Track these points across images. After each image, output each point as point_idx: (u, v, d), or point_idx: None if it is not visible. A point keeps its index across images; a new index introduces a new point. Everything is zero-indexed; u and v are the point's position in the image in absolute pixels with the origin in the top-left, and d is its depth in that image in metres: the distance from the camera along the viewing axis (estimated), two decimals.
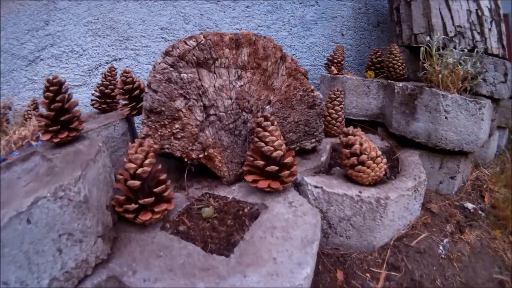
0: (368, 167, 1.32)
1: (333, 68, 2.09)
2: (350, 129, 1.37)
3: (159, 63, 1.22)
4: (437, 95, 1.64)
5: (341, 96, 1.76)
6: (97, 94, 1.81)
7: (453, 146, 1.68)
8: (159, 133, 1.24)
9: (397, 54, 2.09)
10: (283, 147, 1.25)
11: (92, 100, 1.85)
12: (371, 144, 1.35)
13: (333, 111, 1.76)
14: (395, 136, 1.86)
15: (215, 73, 1.29)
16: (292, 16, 2.36)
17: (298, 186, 1.37)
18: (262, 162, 1.22)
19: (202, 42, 1.24)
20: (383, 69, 2.17)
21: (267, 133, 1.22)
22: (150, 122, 1.23)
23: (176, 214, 1.20)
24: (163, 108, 1.22)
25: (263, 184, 1.24)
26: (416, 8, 2.25)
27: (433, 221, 1.69)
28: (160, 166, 1.15)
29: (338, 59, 2.16)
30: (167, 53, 1.22)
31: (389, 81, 1.96)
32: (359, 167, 1.32)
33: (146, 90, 1.22)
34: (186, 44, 1.23)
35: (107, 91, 1.79)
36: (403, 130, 1.79)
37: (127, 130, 1.63)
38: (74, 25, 2.37)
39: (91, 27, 2.32)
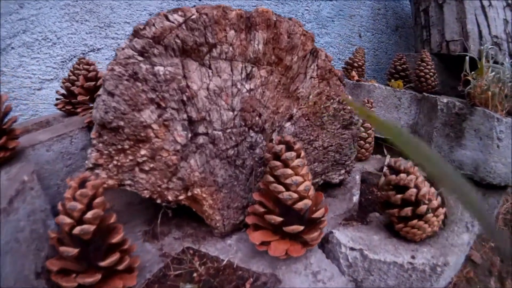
0: (427, 222, 0.79)
1: (353, 73, 1.55)
2: (400, 162, 0.84)
3: (123, 49, 0.66)
4: (492, 119, 1.17)
5: (372, 109, 1.22)
6: (62, 91, 1.23)
7: (500, 180, 1.20)
8: (115, 162, 0.68)
9: (429, 62, 1.57)
10: (311, 191, 0.71)
11: (56, 99, 1.26)
12: (430, 189, 0.81)
13: (362, 129, 1.21)
14: None
15: (210, 67, 0.76)
16: (307, 10, 1.80)
17: (324, 243, 0.83)
18: (278, 219, 0.67)
19: (194, 17, 0.69)
20: (407, 78, 1.65)
21: (289, 171, 0.68)
22: (101, 144, 0.67)
23: (144, 284, 0.66)
24: (122, 123, 0.66)
25: (277, 249, 0.71)
26: (449, 12, 1.74)
27: (476, 275, 1.21)
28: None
29: (359, 63, 1.62)
30: (136, 33, 0.67)
31: (425, 93, 1.42)
32: (415, 221, 0.79)
33: (100, 91, 0.66)
34: (168, 19, 0.68)
35: (73, 88, 1.20)
36: (445, 158, 1.28)
37: (88, 143, 1.06)
38: (50, 8, 1.77)
39: (68, 10, 1.73)
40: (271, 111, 0.85)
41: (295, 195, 0.70)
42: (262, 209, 0.73)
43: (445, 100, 1.28)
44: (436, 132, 1.31)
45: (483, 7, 1.65)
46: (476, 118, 1.19)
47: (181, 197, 0.77)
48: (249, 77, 0.81)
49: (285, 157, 0.72)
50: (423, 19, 1.91)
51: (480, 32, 1.65)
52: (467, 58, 1.32)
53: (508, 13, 1.68)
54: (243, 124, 0.83)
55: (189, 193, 0.77)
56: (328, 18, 1.86)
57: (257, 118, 0.84)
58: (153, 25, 0.67)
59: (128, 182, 0.70)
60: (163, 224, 0.87)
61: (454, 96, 1.54)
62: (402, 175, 0.83)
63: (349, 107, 0.96)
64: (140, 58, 0.67)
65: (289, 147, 0.73)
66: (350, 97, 1.51)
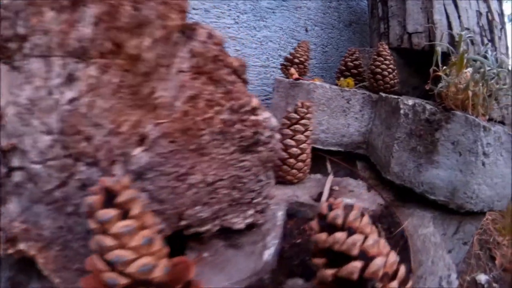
0: None
1: (292, 70, 1.19)
2: (341, 204, 0.46)
3: None
4: (476, 127, 0.83)
5: (308, 115, 0.85)
6: None
7: (483, 205, 0.88)
8: None
9: (388, 57, 1.25)
10: (160, 271, 0.33)
11: None
12: (390, 255, 0.42)
13: (293, 142, 0.83)
14: (391, 184, 0.99)
15: (21, 71, 0.48)
16: None
17: None
18: None
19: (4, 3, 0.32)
20: (360, 76, 1.34)
21: (108, 241, 0.33)
22: None
23: None
24: None
25: None
26: (413, 0, 1.44)
27: None
28: None
29: (301, 59, 1.27)
30: None
31: (383, 94, 1.07)
32: None
33: None
34: None
35: None
36: (410, 179, 0.94)
37: None
38: None
39: None
40: (108, 131, 0.49)
41: (124, 280, 0.32)
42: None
43: (410, 102, 0.95)
44: (398, 145, 0.95)
45: None
46: (454, 126, 0.86)
47: (11, 251, 0.52)
48: (70, 79, 0.46)
49: (101, 217, 0.33)
50: (380, 10, 1.61)
51: (449, 23, 1.37)
52: (439, 49, 1.01)
53: (482, 4, 1.42)
54: (67, 153, 0.49)
55: (16, 248, 0.52)
56: (269, 9, 1.51)
57: (84, 144, 0.48)
58: None
59: None
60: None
61: (418, 97, 1.21)
62: (339, 236, 0.45)
63: (252, 118, 0.58)
64: None
65: (110, 198, 0.35)
66: (279, 100, 1.13)
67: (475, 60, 0.95)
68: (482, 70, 0.89)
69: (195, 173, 0.58)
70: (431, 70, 1.04)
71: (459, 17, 1.37)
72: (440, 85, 0.99)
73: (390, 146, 0.97)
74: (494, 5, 1.46)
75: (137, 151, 0.52)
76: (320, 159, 1.07)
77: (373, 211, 0.82)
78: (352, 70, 1.37)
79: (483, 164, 0.83)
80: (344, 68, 1.38)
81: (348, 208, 0.51)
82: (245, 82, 0.62)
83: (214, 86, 0.59)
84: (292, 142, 0.87)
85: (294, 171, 0.89)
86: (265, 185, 0.67)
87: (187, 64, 0.57)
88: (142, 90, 0.53)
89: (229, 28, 1.46)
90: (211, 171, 0.59)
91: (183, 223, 0.59)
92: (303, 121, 0.86)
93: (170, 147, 0.54)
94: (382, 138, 1.04)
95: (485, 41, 1.39)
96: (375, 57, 1.26)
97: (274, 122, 0.64)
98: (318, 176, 0.97)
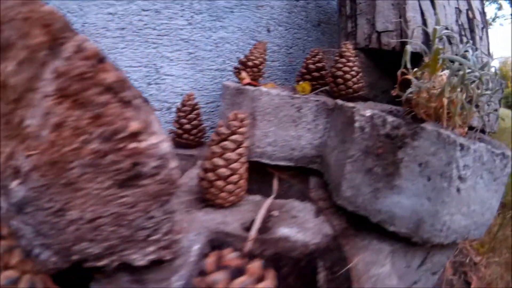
0: None
1: (243, 74, 1.05)
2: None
3: None
4: (451, 145, 0.66)
5: (241, 130, 0.70)
6: None
7: (456, 237, 0.71)
8: None
9: (351, 58, 1.10)
10: None
11: None
12: None
13: (221, 162, 0.68)
14: (343, 210, 0.82)
15: None
16: None
17: None
18: None
19: None
20: (323, 80, 1.19)
21: None
22: None
23: None
24: None
25: None
26: None
27: None
28: None
29: (255, 62, 1.13)
30: None
31: (339, 101, 0.92)
32: None
33: None
34: None
35: None
36: (365, 206, 0.77)
37: None
38: None
39: None
40: None
41: None
42: None
43: (368, 113, 0.78)
44: (352, 165, 0.78)
45: None
46: (423, 144, 0.69)
47: None
48: None
49: None
50: (348, 7, 1.46)
51: (424, 21, 1.21)
52: (408, 48, 0.83)
53: (461, 2, 1.26)
54: None
55: None
56: (226, 9, 1.37)
57: None
58: None
59: None
60: None
61: (388, 102, 1.07)
62: None
63: (130, 146, 0.43)
64: None
65: None
66: (225, 108, 0.93)
67: (452, 61, 0.77)
68: (461, 72, 0.72)
69: (72, 209, 0.48)
70: (399, 72, 0.86)
71: (435, 14, 1.20)
72: (408, 90, 0.81)
73: (342, 165, 0.80)
74: (475, 3, 1.31)
75: (13, 184, 0.46)
76: (267, 176, 0.92)
77: (315, 245, 0.67)
78: (313, 73, 1.22)
79: (458, 190, 0.67)
80: (305, 71, 1.24)
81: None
82: (123, 101, 0.48)
83: (81, 110, 0.45)
84: (221, 162, 0.72)
85: (223, 194, 0.74)
86: (161, 221, 0.53)
87: (52, 86, 0.44)
88: (12, 119, 0.43)
89: (181, 29, 1.32)
90: (88, 207, 0.48)
91: (75, 257, 0.51)
92: (233, 137, 0.72)
93: (41, 181, 0.46)
94: (336, 154, 0.88)
95: (465, 40, 1.22)
96: (337, 58, 1.11)
97: (164, 148, 0.50)
98: (258, 197, 0.82)
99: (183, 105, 1.08)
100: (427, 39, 1.14)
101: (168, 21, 1.30)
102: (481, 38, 1.29)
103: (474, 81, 0.73)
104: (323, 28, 1.64)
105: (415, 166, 0.69)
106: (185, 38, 1.31)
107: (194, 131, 1.22)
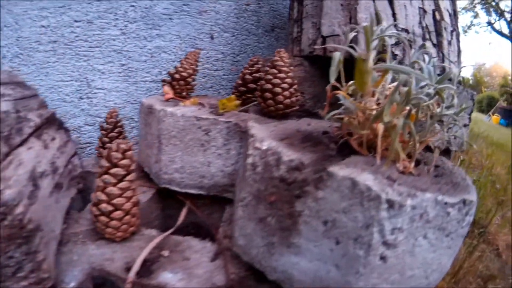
0: None
1: (166, 89, 0.98)
2: None
3: None
4: (373, 202, 0.47)
5: (124, 162, 0.63)
6: None
7: None
8: None
9: (284, 68, 1.00)
10: None
11: None
12: None
13: (103, 197, 0.63)
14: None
15: None
16: (133, 6, 1.22)
17: None
18: None
19: None
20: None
21: None
22: None
23: None
24: None
25: None
26: None
27: None
28: None
29: (183, 74, 1.05)
30: None
31: (250, 123, 0.84)
32: None
33: None
34: None
35: None
36: (260, 260, 0.63)
37: None
38: None
39: None
40: None
41: None
42: None
43: (264, 146, 0.61)
44: (243, 210, 0.64)
45: None
46: (330, 196, 0.52)
47: None
48: None
49: None
50: (296, 10, 1.35)
51: (379, 23, 1.10)
52: (337, 55, 0.66)
53: (427, 1, 1.10)
54: None
55: None
56: (164, 16, 1.29)
57: None
58: None
59: None
60: None
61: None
62: None
63: None
64: None
65: None
66: (140, 129, 0.86)
67: (397, 72, 0.60)
68: (407, 87, 0.54)
69: None
70: (328, 87, 0.70)
71: (394, 15, 1.05)
72: (333, 112, 0.65)
73: (236, 208, 0.67)
74: (444, 3, 1.15)
75: None
76: (180, 204, 0.85)
77: None
78: (249, 85, 1.14)
79: (383, 258, 0.50)
80: (241, 82, 1.15)
81: None
82: None
83: None
84: (103, 196, 0.65)
85: (109, 229, 0.68)
86: (22, 261, 0.51)
87: None
88: None
89: (114, 40, 1.24)
90: None
91: None
92: (114, 170, 0.65)
93: None
94: (240, 190, 0.73)
95: (430, 45, 1.07)
96: (268, 69, 1.02)
97: (7, 195, 0.46)
98: (154, 232, 0.75)
99: (106, 122, 1.01)
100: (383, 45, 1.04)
101: (100, 32, 1.22)
102: (449, 43, 1.15)
103: (431, 97, 0.55)
104: (277, 34, 1.54)
105: (319, 223, 0.53)
106: (118, 49, 1.23)
107: None
